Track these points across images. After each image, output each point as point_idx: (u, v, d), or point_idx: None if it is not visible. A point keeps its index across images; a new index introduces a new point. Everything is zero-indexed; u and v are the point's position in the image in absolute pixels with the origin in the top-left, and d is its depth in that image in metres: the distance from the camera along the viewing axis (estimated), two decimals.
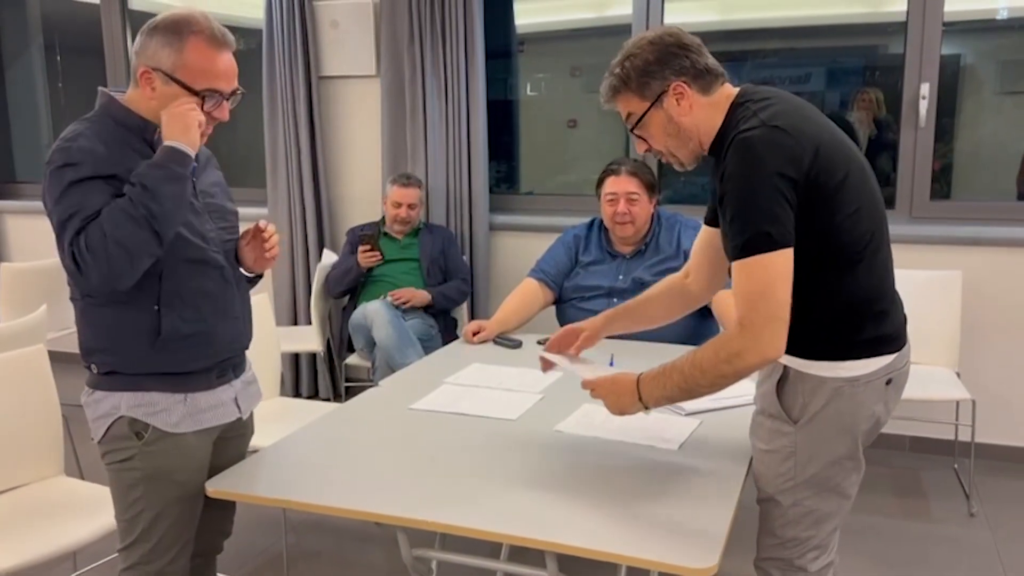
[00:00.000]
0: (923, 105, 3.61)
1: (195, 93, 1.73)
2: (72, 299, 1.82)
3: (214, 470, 1.91)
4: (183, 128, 1.71)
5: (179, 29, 1.71)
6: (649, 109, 1.72)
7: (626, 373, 1.81)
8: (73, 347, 5.23)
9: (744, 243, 1.56)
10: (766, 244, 1.54)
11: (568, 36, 4.43)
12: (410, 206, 3.93)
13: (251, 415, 2.07)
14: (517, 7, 4.40)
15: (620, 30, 4.07)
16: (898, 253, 3.60)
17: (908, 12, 3.61)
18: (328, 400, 4.39)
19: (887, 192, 3.85)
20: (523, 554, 2.00)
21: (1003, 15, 3.70)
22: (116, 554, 1.87)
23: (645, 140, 1.78)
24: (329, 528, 3.13)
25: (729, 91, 1.73)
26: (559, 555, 1.60)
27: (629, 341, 2.77)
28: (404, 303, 3.73)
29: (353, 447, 1.99)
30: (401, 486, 1.77)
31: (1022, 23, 3.66)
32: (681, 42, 1.70)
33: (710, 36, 4.21)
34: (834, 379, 1.67)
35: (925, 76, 3.61)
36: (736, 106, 1.69)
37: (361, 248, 3.83)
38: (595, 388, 1.85)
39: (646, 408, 1.76)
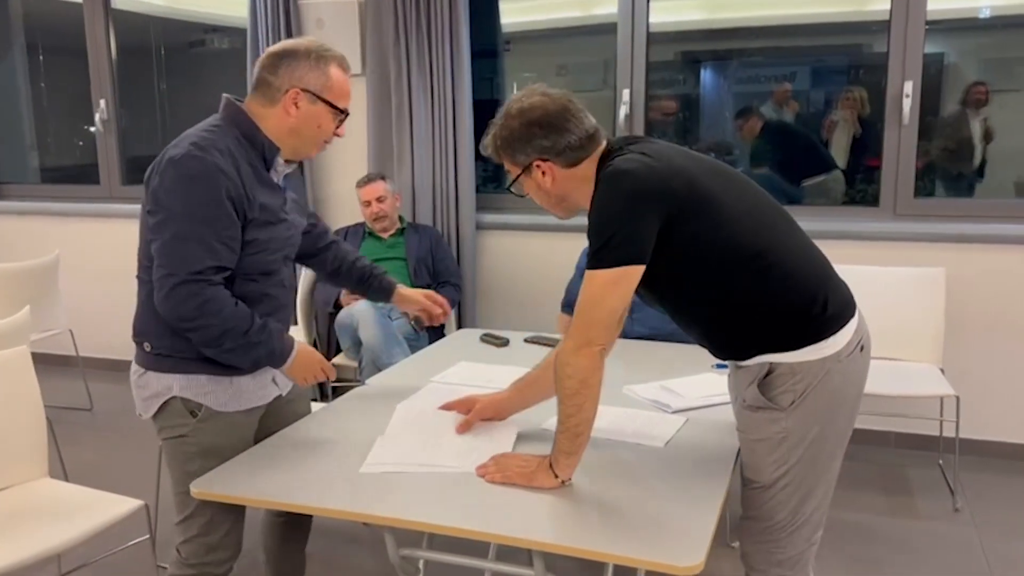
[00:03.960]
0: (907, 103, 3.63)
1: (339, 111, 1.95)
2: (139, 278, 2.00)
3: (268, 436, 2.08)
4: (300, 372, 2.02)
5: (321, 55, 1.92)
6: (520, 175, 1.84)
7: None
8: (57, 349, 5.16)
9: (590, 255, 1.68)
10: (605, 260, 1.66)
11: (554, 35, 4.43)
12: (379, 199, 3.92)
13: (302, 387, 2.22)
14: (503, 6, 4.40)
15: (606, 29, 4.07)
16: (882, 250, 3.66)
17: (891, 11, 3.63)
18: (315, 400, 4.36)
19: (872, 190, 3.87)
20: (510, 553, 2.00)
21: (985, 14, 3.73)
22: (105, 555, 1.86)
23: (523, 195, 1.91)
24: (316, 529, 3.11)
25: (600, 150, 1.81)
26: (546, 554, 1.61)
27: (632, 340, 2.76)
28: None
29: (340, 447, 1.99)
30: (388, 486, 1.77)
31: (1004, 22, 3.69)
32: (549, 121, 1.77)
33: (695, 35, 4.22)
34: (821, 360, 1.72)
35: (909, 74, 3.64)
36: (603, 158, 1.79)
37: (346, 290, 3.83)
38: (499, 462, 1.82)
39: (551, 467, 1.74)
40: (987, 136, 3.85)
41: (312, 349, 2.05)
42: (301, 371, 2.03)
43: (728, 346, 1.82)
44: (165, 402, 1.97)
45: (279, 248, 1.99)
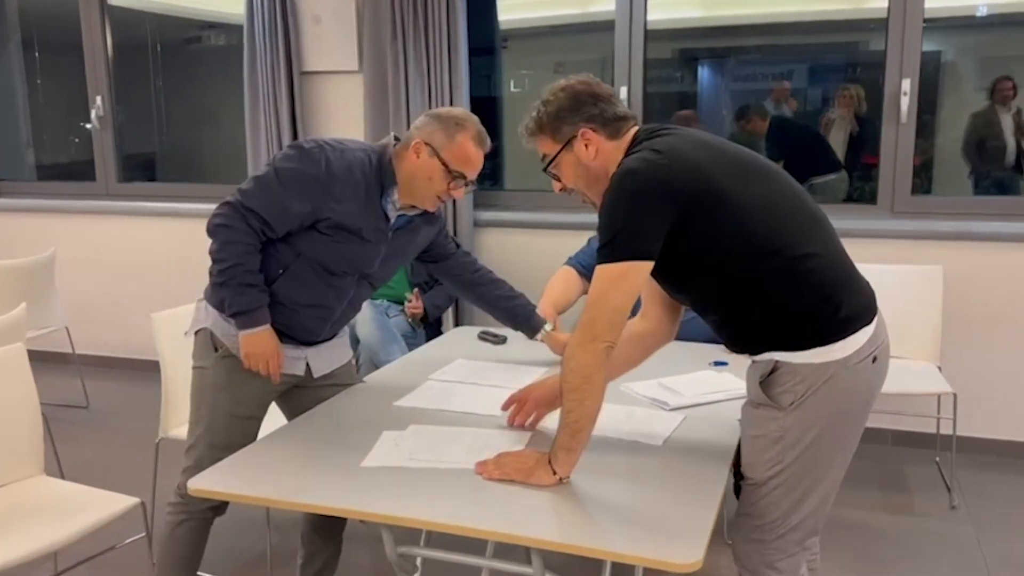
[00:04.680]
0: (904, 101, 3.63)
1: (449, 170, 2.13)
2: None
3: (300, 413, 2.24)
4: (245, 352, 2.13)
5: (458, 122, 2.14)
6: (560, 151, 1.84)
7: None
8: (53, 346, 5.13)
9: (598, 251, 1.70)
10: (612, 255, 1.67)
11: (551, 32, 4.43)
12: None
13: (347, 373, 2.41)
14: (500, 3, 4.40)
15: (603, 26, 4.07)
16: (880, 248, 3.66)
17: (889, 9, 3.63)
18: None
19: (870, 188, 3.87)
20: (508, 550, 2.00)
21: (982, 12, 3.73)
22: (101, 552, 1.86)
23: (560, 180, 1.90)
24: None
25: (631, 134, 1.84)
26: (544, 551, 1.60)
27: None
28: (415, 313, 3.77)
29: (337, 444, 1.98)
30: (386, 483, 1.77)
31: (1001, 20, 3.70)
32: (593, 92, 1.83)
33: (692, 32, 4.22)
34: (827, 364, 1.70)
35: (906, 72, 3.63)
36: (630, 145, 1.81)
37: None
38: (498, 460, 1.80)
39: (550, 463, 1.73)
40: (1020, 130, 3.84)
41: (276, 347, 2.15)
42: (247, 347, 2.13)
43: (738, 339, 1.81)
44: (200, 331, 2.22)
45: (350, 258, 2.17)
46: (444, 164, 2.12)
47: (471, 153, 2.15)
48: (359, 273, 2.22)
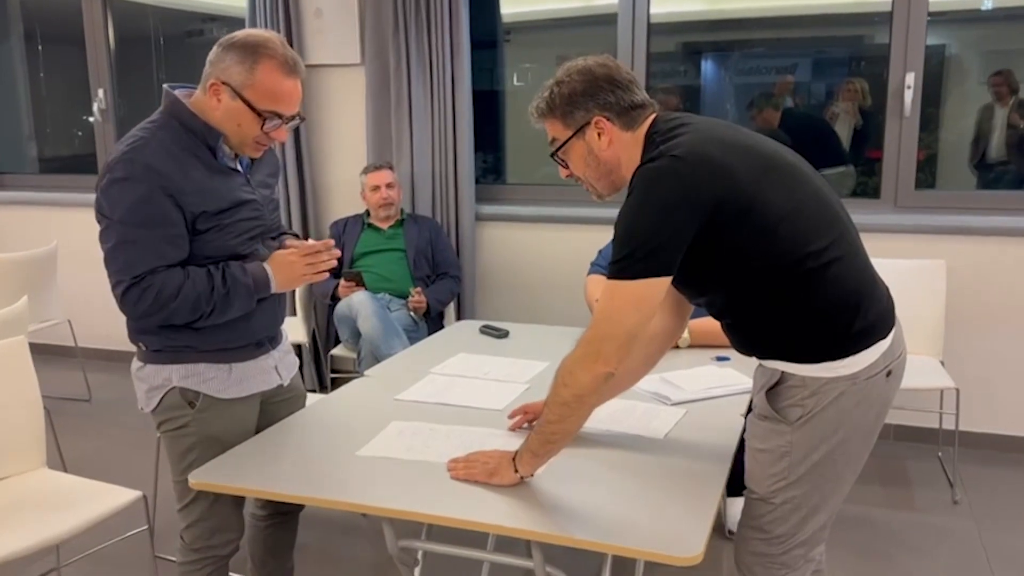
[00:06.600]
0: (908, 95, 3.62)
1: (257, 113, 1.83)
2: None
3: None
4: (287, 281, 1.97)
5: (255, 51, 1.81)
6: (571, 138, 1.73)
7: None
8: (55, 339, 5.15)
9: (612, 264, 1.60)
10: (629, 271, 1.57)
11: (554, 26, 4.42)
12: (388, 185, 3.93)
13: (299, 380, 2.23)
14: None
15: (606, 19, 4.06)
16: (883, 242, 3.65)
17: (893, 2, 3.61)
18: (314, 391, 4.37)
19: (873, 182, 3.86)
20: (509, 544, 2.00)
21: (987, 5, 3.72)
22: (103, 545, 1.86)
23: (567, 167, 1.79)
24: (314, 520, 3.12)
25: (648, 124, 1.73)
26: (545, 545, 1.60)
27: None
28: (419, 308, 3.77)
29: (339, 438, 1.98)
30: (387, 477, 1.77)
31: (1005, 13, 3.68)
32: (611, 77, 1.70)
33: (696, 26, 4.20)
34: (836, 379, 1.64)
35: (910, 66, 3.62)
36: (647, 138, 1.70)
37: (344, 283, 3.82)
38: (467, 458, 1.78)
39: (516, 470, 1.71)
40: (1011, 125, 3.81)
41: (282, 252, 1.97)
42: (288, 281, 1.97)
43: (747, 344, 1.74)
44: (164, 394, 1.96)
45: (244, 231, 1.94)
46: (250, 106, 1.82)
47: (280, 84, 1.82)
48: (258, 236, 1.99)
